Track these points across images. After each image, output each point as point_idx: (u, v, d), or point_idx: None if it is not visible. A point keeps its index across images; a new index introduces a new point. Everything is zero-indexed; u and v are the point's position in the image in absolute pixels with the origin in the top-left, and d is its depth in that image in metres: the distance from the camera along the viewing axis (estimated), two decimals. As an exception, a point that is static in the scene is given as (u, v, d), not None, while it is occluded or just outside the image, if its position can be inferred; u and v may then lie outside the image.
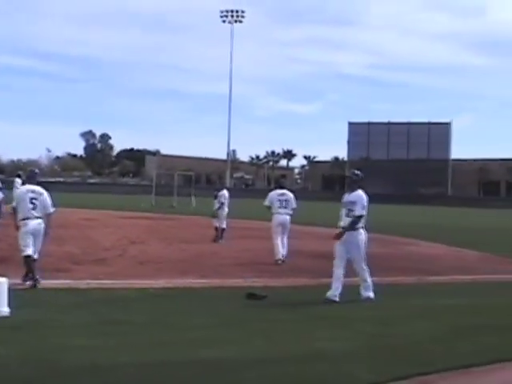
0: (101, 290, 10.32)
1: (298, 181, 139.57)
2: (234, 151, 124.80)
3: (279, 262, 14.62)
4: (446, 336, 7.92)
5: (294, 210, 15.42)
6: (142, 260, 14.37)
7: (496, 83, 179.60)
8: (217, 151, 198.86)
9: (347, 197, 10.24)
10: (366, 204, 10.11)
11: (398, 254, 18.03)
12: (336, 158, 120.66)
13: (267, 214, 15.65)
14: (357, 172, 10.60)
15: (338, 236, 10.11)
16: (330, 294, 9.91)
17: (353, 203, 10.06)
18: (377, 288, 10.57)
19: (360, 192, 10.22)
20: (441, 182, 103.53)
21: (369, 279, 10.28)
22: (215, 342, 7.15)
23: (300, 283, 11.85)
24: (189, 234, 22.53)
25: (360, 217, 10.01)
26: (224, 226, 20.07)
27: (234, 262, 14.74)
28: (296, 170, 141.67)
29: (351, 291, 10.13)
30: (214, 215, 20.18)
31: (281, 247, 14.88)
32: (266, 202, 15.43)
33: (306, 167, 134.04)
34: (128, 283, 11.01)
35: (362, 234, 10.12)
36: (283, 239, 15.10)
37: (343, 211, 10.20)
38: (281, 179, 20.48)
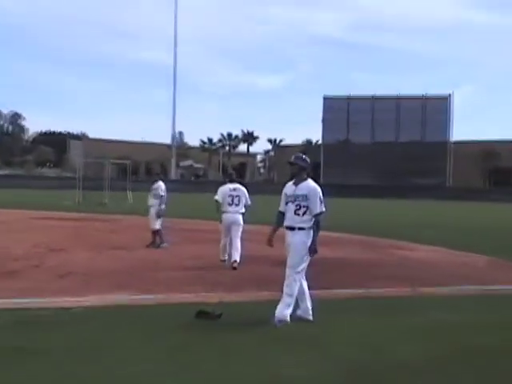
0: (9, 310, 10.16)
1: (261, 170, 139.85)
2: (180, 134, 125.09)
3: (224, 262, 15.51)
4: (440, 361, 7.96)
5: (247, 207, 15.88)
6: (64, 272, 14.24)
7: (503, 46, 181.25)
8: (159, 134, 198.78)
9: (294, 188, 9.98)
10: (322, 197, 9.89)
11: (387, 260, 18.18)
12: (309, 142, 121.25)
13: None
14: (304, 156, 10.33)
15: (270, 242, 10.41)
16: (299, 312, 9.88)
17: (304, 197, 9.82)
18: (362, 302, 10.52)
19: (311, 182, 10.01)
20: (439, 171, 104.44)
21: (292, 297, 9.77)
22: (153, 376, 7.02)
23: (262, 297, 11.83)
24: (124, 239, 22.43)
25: (321, 214, 9.82)
26: (158, 226, 19.93)
27: (181, 273, 14.71)
28: (258, 157, 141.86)
29: (325, 307, 10.11)
30: (160, 214, 19.93)
31: (227, 248, 15.61)
32: (218, 197, 15.73)
33: (271, 153, 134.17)
34: (45, 301, 10.87)
35: (310, 235, 9.83)
36: (235, 241, 15.54)
37: (290, 207, 9.93)
38: (230, 171, 20.51)
